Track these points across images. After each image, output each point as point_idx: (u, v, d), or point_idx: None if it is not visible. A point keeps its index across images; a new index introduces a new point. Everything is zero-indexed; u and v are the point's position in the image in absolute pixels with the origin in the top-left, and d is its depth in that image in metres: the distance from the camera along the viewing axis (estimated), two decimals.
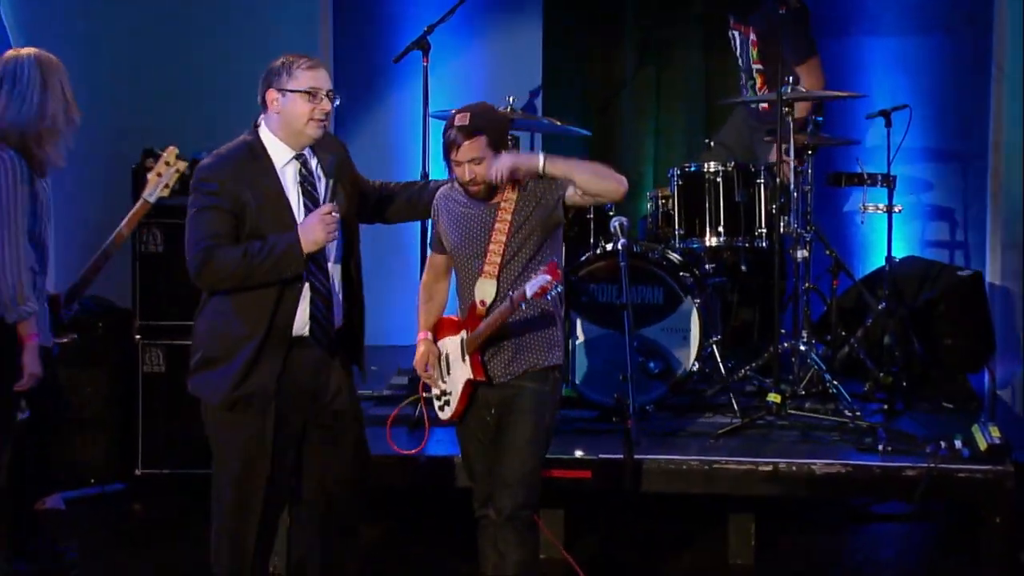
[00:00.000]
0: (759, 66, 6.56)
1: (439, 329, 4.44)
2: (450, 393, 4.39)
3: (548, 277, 4.07)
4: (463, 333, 4.33)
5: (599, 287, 5.66)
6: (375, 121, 7.17)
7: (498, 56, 7.24)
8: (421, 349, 4.43)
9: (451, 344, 4.38)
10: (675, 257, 5.92)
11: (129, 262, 6.05)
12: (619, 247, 5.50)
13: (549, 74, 7.32)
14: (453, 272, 4.43)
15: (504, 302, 4.20)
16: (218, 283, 4.15)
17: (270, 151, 4.20)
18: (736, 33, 6.65)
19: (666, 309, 5.68)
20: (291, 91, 4.15)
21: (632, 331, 5.41)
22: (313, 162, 4.26)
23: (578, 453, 5.21)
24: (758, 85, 6.59)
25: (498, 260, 4.25)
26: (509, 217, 4.25)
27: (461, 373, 4.34)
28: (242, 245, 4.12)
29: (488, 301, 4.25)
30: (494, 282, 4.25)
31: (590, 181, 4.23)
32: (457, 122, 4.22)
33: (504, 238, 4.24)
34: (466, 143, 4.19)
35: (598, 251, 5.71)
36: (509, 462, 4.25)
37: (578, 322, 5.66)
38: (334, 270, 4.26)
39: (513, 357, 4.29)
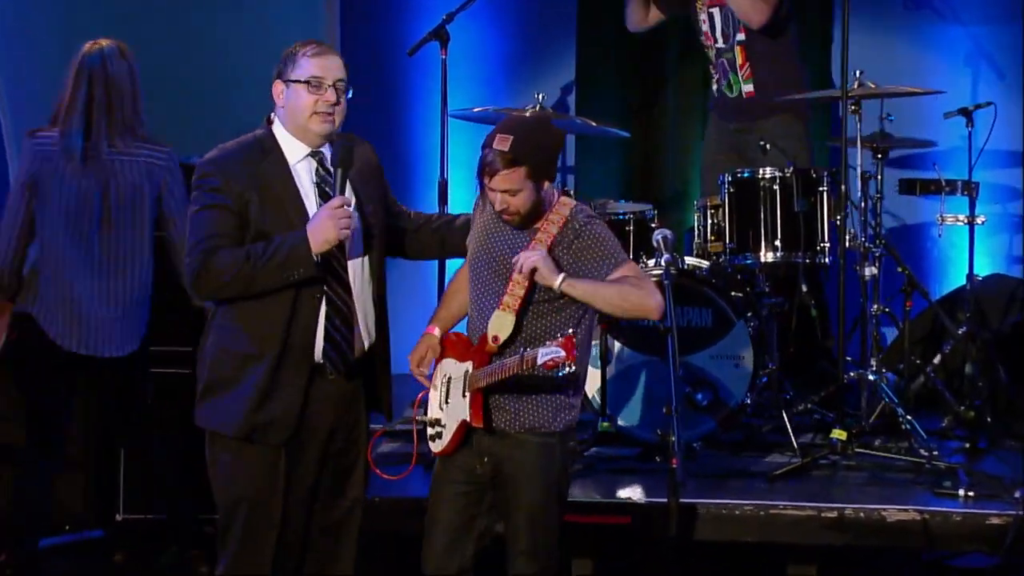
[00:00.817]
0: (742, 36, 6.39)
1: (451, 343, 4.29)
2: (444, 426, 4.27)
3: (561, 353, 3.89)
4: (468, 365, 4.19)
5: None
6: (386, 121, 7.18)
7: (526, 48, 7.27)
8: (422, 345, 4.29)
9: (455, 370, 4.25)
10: (726, 275, 5.88)
11: None
12: (662, 263, 5.44)
13: (583, 69, 7.32)
14: None
15: (515, 356, 4.04)
16: (218, 289, 4.10)
17: (283, 147, 4.17)
18: (716, 10, 6.44)
19: (716, 333, 5.68)
20: (293, 81, 4.13)
21: (677, 358, 5.36)
22: None
23: (617, 496, 5.20)
24: (739, 62, 6.42)
25: (521, 293, 4.09)
26: (543, 250, 4.09)
27: (458, 410, 4.21)
28: (245, 247, 4.07)
29: (502, 338, 4.10)
30: (513, 318, 4.09)
31: (614, 309, 4.13)
32: (496, 144, 4.05)
33: None
34: (502, 172, 4.04)
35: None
36: (523, 526, 4.16)
37: (616, 348, 5.63)
38: (358, 284, 4.19)
39: (516, 413, 4.17)
